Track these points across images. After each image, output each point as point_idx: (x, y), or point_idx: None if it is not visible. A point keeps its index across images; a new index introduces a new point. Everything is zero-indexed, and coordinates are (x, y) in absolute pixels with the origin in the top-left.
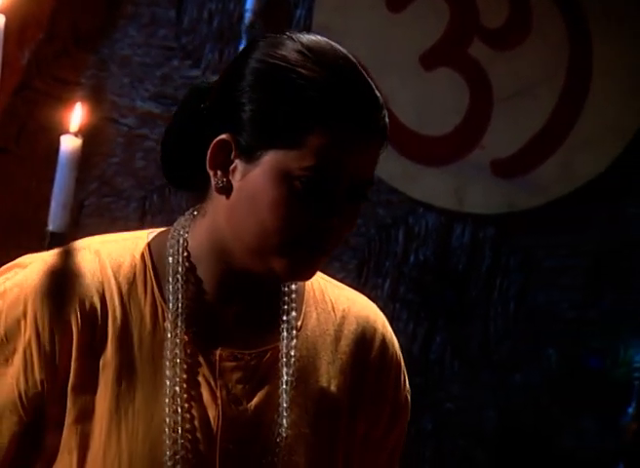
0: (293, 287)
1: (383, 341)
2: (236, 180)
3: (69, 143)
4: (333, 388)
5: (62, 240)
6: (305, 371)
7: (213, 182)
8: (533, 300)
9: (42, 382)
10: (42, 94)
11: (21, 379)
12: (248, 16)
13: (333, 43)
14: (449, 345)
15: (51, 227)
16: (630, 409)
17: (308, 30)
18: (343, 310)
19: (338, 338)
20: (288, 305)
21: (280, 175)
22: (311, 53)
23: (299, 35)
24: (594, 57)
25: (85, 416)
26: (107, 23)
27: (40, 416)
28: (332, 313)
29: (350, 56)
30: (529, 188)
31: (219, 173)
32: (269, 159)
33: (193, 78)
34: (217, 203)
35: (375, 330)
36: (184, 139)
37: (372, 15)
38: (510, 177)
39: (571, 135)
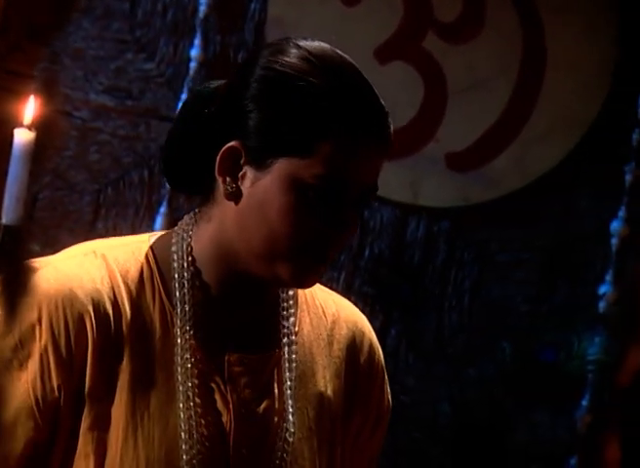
0: (290, 292)
1: (371, 346)
2: (246, 187)
3: (23, 137)
4: (330, 392)
5: (16, 233)
6: (305, 376)
7: (222, 188)
8: (487, 294)
9: (59, 388)
10: None
11: (38, 385)
12: (202, 9)
13: (337, 50)
14: (404, 338)
15: (4, 220)
16: (584, 402)
17: (263, 24)
18: (333, 314)
19: (330, 343)
20: (287, 311)
21: (291, 182)
22: (317, 60)
23: (304, 42)
24: (548, 50)
25: (101, 422)
26: (61, 16)
27: (56, 422)
28: (323, 317)
29: (354, 62)
30: (483, 182)
31: (228, 179)
32: (280, 167)
33: (147, 71)
34: (224, 208)
35: (363, 334)
36: (188, 144)
37: (326, 8)
38: (465, 171)
39: (525, 128)
